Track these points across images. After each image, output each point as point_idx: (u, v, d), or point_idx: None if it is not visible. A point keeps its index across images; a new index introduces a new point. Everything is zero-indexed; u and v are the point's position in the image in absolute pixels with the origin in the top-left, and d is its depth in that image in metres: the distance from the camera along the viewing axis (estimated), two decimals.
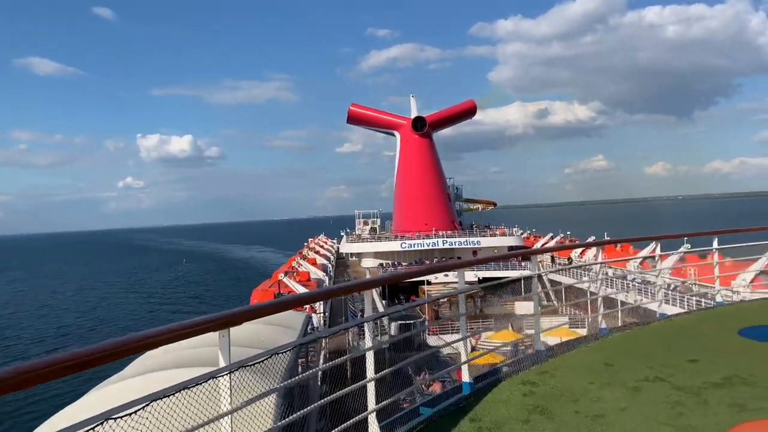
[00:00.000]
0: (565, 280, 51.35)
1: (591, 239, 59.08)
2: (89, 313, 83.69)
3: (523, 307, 47.64)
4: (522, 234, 70.57)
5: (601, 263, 13.13)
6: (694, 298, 34.40)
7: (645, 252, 43.70)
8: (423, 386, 31.09)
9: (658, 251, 11.18)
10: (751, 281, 34.20)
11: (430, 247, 60.60)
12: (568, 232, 68.98)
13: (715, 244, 12.04)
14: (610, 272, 46.09)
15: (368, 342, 5.94)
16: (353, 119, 73.25)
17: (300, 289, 32.00)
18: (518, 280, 10.38)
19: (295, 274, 36.80)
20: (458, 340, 7.53)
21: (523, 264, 57.50)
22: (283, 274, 32.56)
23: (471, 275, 54.44)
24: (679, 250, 25.90)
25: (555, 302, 52.72)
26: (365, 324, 6.02)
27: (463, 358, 7.15)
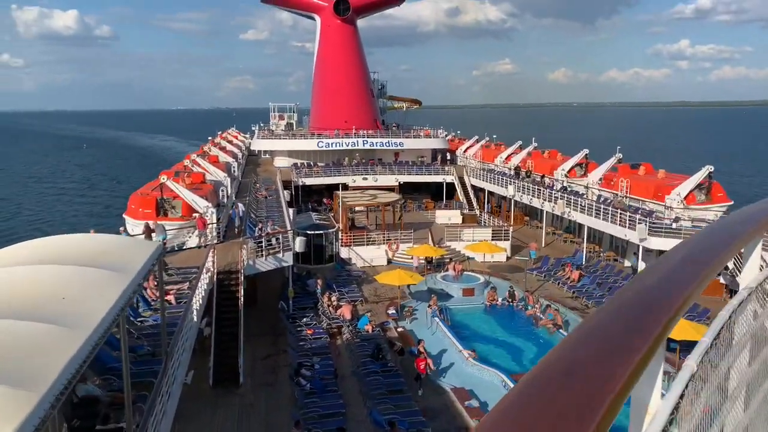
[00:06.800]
0: (489, 187, 48.43)
1: (518, 144, 56.05)
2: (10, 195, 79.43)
3: (444, 217, 44.69)
4: (446, 136, 66.70)
5: None
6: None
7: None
8: (330, 309, 27.63)
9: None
10: (686, 197, 32.67)
11: (350, 147, 55.64)
12: (494, 136, 65.64)
13: None
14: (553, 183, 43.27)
15: None
16: None
17: (187, 195, 26.57)
18: None
19: (185, 175, 31.02)
20: None
21: (446, 169, 54.21)
22: (165, 177, 26.76)
23: (392, 179, 50.74)
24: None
25: (477, 209, 50.03)
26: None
27: None
